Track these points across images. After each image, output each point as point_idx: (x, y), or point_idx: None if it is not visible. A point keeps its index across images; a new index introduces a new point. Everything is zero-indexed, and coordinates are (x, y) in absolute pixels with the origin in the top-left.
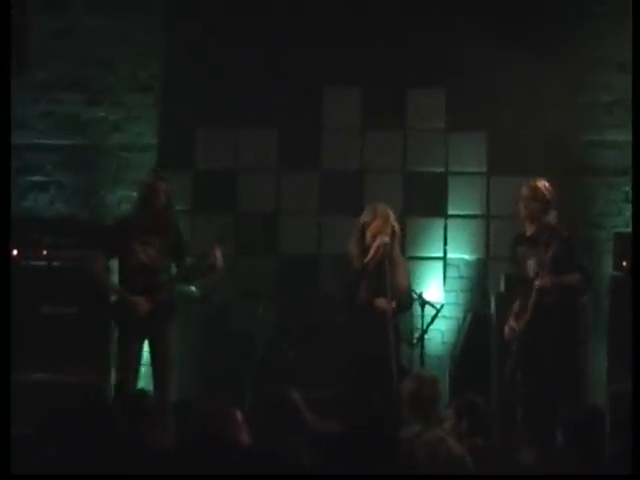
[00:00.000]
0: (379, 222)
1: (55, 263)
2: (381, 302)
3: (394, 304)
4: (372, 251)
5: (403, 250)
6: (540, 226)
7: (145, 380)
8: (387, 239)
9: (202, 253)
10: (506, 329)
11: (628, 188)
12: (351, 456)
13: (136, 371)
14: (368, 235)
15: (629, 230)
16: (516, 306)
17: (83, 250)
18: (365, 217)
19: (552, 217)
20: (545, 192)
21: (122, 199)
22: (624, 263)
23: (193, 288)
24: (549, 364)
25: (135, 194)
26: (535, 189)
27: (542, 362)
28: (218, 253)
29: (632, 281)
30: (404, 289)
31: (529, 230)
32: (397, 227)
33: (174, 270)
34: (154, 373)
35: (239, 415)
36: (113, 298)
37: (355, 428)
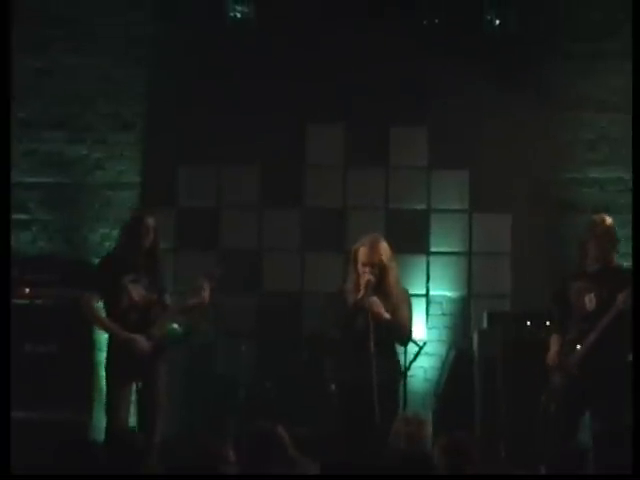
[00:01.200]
0: (365, 249)
1: (37, 301)
2: (367, 338)
3: (373, 341)
4: (362, 287)
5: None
6: (606, 264)
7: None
8: (371, 277)
9: (193, 289)
10: (551, 361)
11: None
12: None
13: (127, 410)
14: (359, 263)
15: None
16: (557, 339)
17: (65, 288)
18: (356, 245)
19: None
20: (615, 231)
21: (104, 237)
22: None
23: (175, 326)
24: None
25: (121, 230)
26: (609, 228)
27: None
28: (206, 286)
29: (632, 280)
30: (401, 320)
31: (591, 267)
32: (387, 256)
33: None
34: (144, 413)
35: (231, 451)
36: (109, 337)
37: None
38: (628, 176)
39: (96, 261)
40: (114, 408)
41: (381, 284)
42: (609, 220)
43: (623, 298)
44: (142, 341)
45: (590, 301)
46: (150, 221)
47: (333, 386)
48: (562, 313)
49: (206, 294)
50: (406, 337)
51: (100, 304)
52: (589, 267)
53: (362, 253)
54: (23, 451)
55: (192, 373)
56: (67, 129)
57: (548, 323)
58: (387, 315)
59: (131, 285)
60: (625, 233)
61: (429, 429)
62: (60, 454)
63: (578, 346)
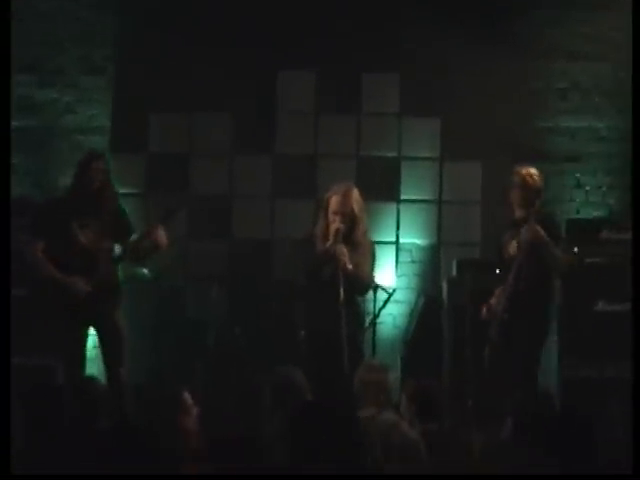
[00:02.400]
0: (338, 197)
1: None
2: (335, 286)
3: (342, 290)
4: (331, 235)
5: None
6: (529, 211)
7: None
8: (342, 225)
9: (144, 233)
10: (484, 310)
11: (579, 174)
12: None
13: (82, 356)
14: (330, 211)
15: (579, 217)
16: (498, 289)
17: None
18: (328, 192)
19: (539, 204)
20: (536, 180)
21: None
22: (575, 249)
23: (145, 271)
24: (519, 347)
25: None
26: (526, 177)
27: (514, 344)
28: (161, 232)
29: (632, 280)
30: (363, 273)
31: (517, 215)
32: (359, 207)
33: (117, 252)
34: (104, 358)
35: (188, 398)
36: (51, 281)
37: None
38: (599, 125)
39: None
40: (65, 354)
41: (350, 234)
42: (527, 170)
43: (526, 229)
44: (79, 283)
45: (512, 248)
46: (98, 164)
47: (302, 332)
48: (500, 264)
49: (161, 236)
50: (364, 290)
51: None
52: (516, 215)
53: (334, 201)
54: None
55: (161, 317)
56: (37, 72)
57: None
58: (350, 266)
59: (77, 229)
60: (595, 182)
61: (393, 376)
62: (27, 399)
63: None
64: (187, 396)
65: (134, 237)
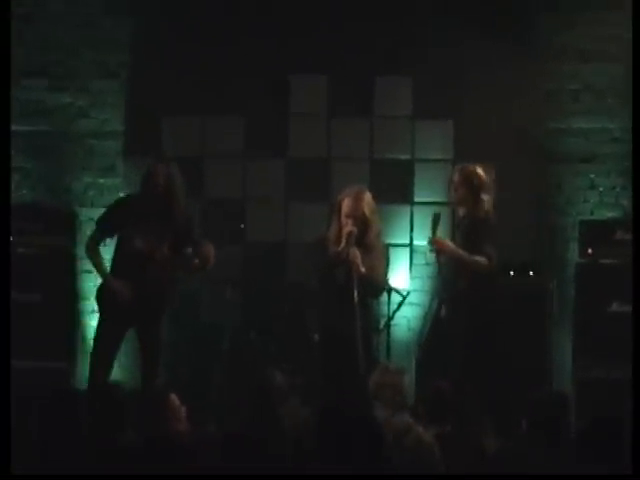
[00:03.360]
0: (349, 200)
1: (20, 250)
2: (348, 289)
3: (357, 293)
4: (343, 238)
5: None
6: (468, 213)
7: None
8: (354, 228)
9: (199, 250)
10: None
11: (593, 175)
12: (323, 439)
13: (112, 361)
14: (342, 214)
15: (594, 218)
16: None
17: (48, 237)
18: (341, 196)
19: (485, 203)
20: (475, 178)
21: (88, 186)
22: (589, 250)
23: None
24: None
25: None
26: (465, 175)
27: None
28: (211, 247)
29: (632, 279)
30: (376, 276)
31: (460, 214)
32: (371, 209)
33: (175, 261)
34: (142, 366)
35: (175, 401)
36: (100, 282)
37: (327, 412)
38: (612, 125)
39: (81, 210)
40: (94, 356)
41: (362, 237)
42: (468, 168)
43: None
44: (126, 290)
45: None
46: (161, 168)
47: (316, 336)
48: None
49: (211, 257)
50: (378, 292)
51: (104, 247)
52: (460, 214)
53: (346, 204)
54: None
55: (177, 321)
56: (50, 77)
57: (531, 273)
58: (363, 269)
59: (136, 232)
60: (609, 183)
61: (408, 379)
62: (43, 403)
63: None
64: (174, 397)
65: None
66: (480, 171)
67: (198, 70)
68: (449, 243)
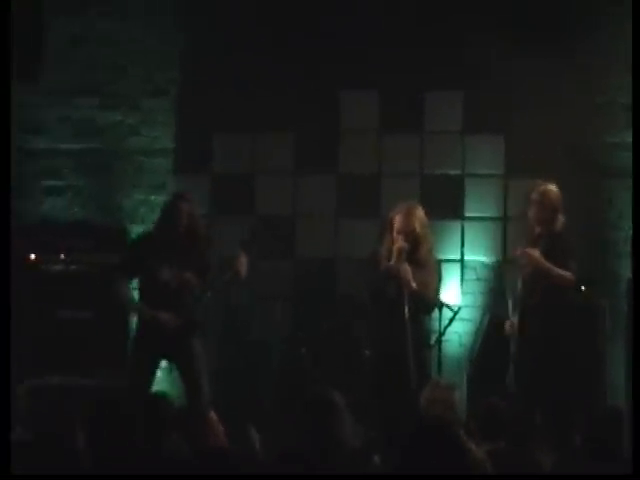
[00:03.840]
0: (401, 216)
1: (72, 267)
2: (399, 305)
3: (408, 308)
4: (394, 254)
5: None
6: (546, 230)
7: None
8: (405, 244)
9: (226, 261)
10: (507, 327)
11: None
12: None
13: (150, 386)
14: (394, 230)
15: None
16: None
17: (100, 254)
18: (392, 212)
19: (562, 220)
20: (553, 196)
21: (138, 203)
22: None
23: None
24: (548, 365)
25: (152, 197)
26: (544, 194)
27: (540, 362)
28: (243, 259)
29: (632, 279)
30: (428, 292)
31: (533, 233)
32: (422, 225)
33: (200, 288)
34: (185, 388)
35: (214, 417)
36: (137, 316)
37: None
38: None
39: (132, 227)
40: (138, 386)
41: (414, 253)
42: (545, 186)
43: (521, 255)
44: (168, 318)
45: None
46: (185, 206)
47: (367, 352)
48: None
49: (243, 266)
50: (429, 308)
51: (132, 284)
52: (532, 233)
53: (397, 220)
54: (59, 417)
55: (227, 339)
56: (100, 95)
57: (583, 288)
58: (414, 285)
59: (161, 266)
60: None
61: (459, 395)
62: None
63: None
64: (213, 415)
65: (213, 270)
66: (557, 189)
67: (248, 86)
68: (538, 254)
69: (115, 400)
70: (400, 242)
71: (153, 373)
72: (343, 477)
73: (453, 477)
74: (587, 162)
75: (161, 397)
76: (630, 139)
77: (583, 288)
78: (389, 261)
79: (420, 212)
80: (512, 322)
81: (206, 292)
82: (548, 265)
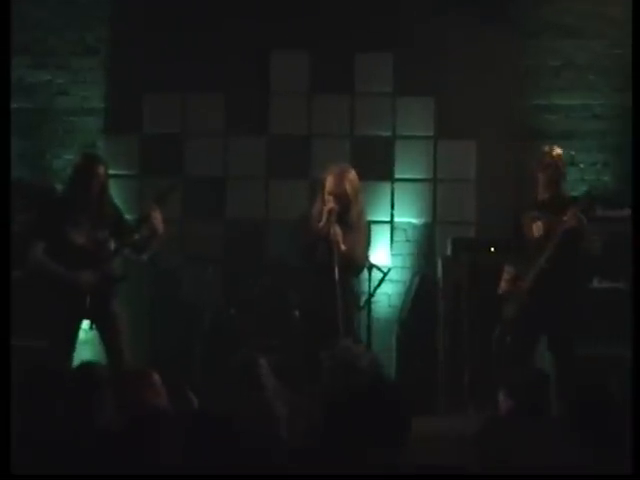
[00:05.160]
0: (332, 179)
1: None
2: (329, 267)
3: (337, 270)
4: (324, 216)
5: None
6: (555, 193)
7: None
8: (335, 206)
9: (140, 220)
10: (504, 287)
11: (573, 152)
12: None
13: (73, 347)
14: (325, 192)
15: (573, 194)
16: (510, 269)
17: (30, 214)
18: (323, 173)
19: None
20: (562, 161)
21: (69, 163)
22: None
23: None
24: (546, 328)
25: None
26: (557, 158)
27: (538, 325)
28: (156, 215)
29: (632, 279)
30: (357, 254)
31: (541, 196)
32: (353, 187)
33: (114, 246)
34: (106, 349)
35: (156, 378)
36: (56, 278)
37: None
38: (592, 102)
39: (44, 202)
40: (57, 345)
41: (344, 215)
42: (557, 150)
43: (569, 216)
44: (86, 279)
45: (538, 229)
46: (98, 170)
47: (297, 313)
48: (516, 243)
49: (157, 221)
50: (359, 270)
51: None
52: (539, 196)
53: (328, 182)
54: None
55: (156, 300)
56: (30, 54)
57: (492, 249)
58: (344, 246)
59: (74, 227)
60: (589, 159)
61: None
62: (25, 381)
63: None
64: (156, 376)
65: (130, 227)
66: (561, 155)
67: (179, 47)
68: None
69: (41, 364)
70: (331, 204)
71: (75, 336)
72: (343, 477)
73: (453, 477)
74: (516, 124)
75: (87, 361)
76: (559, 102)
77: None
78: (319, 223)
79: (351, 174)
80: (510, 283)
81: (122, 251)
82: (587, 228)
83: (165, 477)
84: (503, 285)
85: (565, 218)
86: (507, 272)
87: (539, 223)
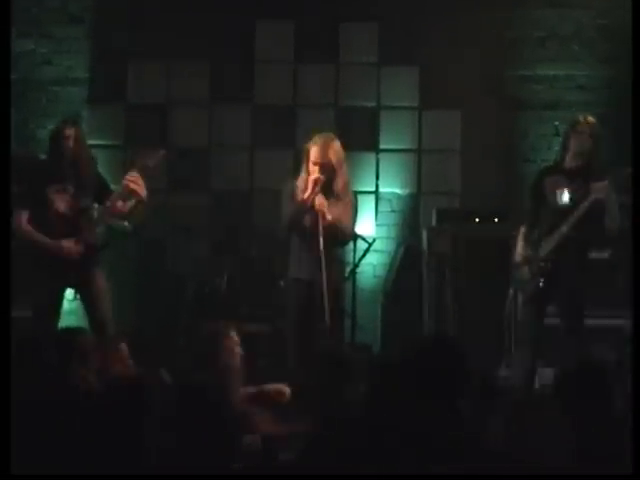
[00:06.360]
0: (317, 148)
1: None
2: (314, 237)
3: (322, 240)
4: (309, 186)
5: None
6: (586, 161)
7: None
8: (321, 176)
9: (123, 186)
10: (518, 255)
11: (557, 122)
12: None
13: (58, 315)
14: (310, 162)
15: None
16: (534, 233)
17: (13, 184)
18: (308, 143)
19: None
20: (597, 128)
21: None
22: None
23: (126, 223)
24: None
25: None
26: (592, 125)
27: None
28: (138, 180)
29: (632, 279)
30: (343, 224)
31: (570, 163)
32: (338, 157)
33: (97, 213)
34: (89, 317)
35: (123, 348)
36: (41, 247)
37: None
38: (577, 73)
39: (27, 171)
40: (44, 315)
41: (330, 185)
42: (591, 119)
43: (598, 187)
44: (69, 246)
45: (563, 195)
46: (69, 132)
47: (282, 283)
48: (534, 206)
49: (138, 187)
50: (344, 240)
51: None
52: (568, 163)
53: (313, 152)
54: None
55: (142, 270)
56: (13, 23)
57: (496, 220)
58: (329, 217)
59: (55, 196)
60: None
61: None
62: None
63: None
64: (124, 346)
65: (114, 194)
66: (595, 123)
67: (164, 15)
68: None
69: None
70: (316, 174)
71: (59, 304)
72: (343, 477)
73: (453, 477)
74: (500, 94)
75: (69, 329)
76: (544, 72)
77: (496, 220)
78: (304, 193)
79: (336, 144)
80: (525, 250)
81: (105, 217)
82: (615, 204)
83: (165, 477)
84: (518, 249)
85: (596, 187)
86: (522, 236)
87: (565, 189)
